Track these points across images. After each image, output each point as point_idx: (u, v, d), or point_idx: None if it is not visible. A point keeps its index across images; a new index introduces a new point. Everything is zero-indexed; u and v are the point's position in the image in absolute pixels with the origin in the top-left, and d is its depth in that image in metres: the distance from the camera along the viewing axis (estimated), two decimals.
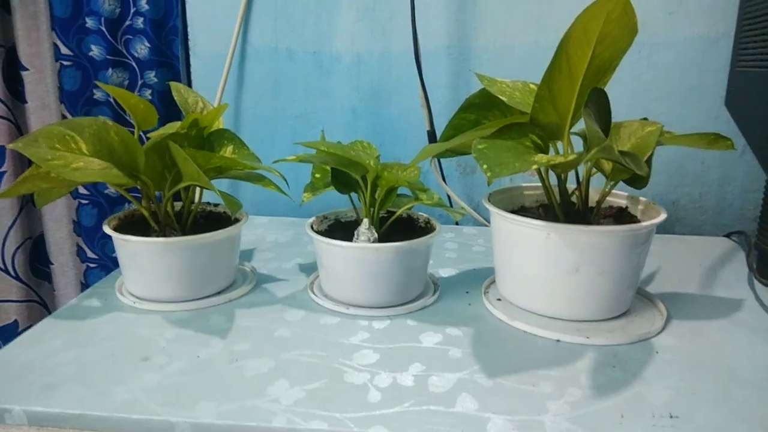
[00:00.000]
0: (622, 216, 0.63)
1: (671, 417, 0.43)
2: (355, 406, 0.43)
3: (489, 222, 0.90)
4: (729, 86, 0.79)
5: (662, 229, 0.91)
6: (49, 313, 1.03)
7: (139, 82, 0.94)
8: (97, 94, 0.95)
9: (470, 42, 0.88)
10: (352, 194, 0.63)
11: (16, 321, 1.02)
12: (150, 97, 0.94)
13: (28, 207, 0.98)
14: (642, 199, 0.63)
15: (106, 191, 0.98)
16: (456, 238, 0.82)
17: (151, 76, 0.94)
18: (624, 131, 0.59)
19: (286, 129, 0.94)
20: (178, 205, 0.64)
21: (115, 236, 0.58)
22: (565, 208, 0.60)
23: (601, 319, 0.57)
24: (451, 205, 0.88)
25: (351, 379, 0.47)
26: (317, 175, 0.64)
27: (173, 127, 0.69)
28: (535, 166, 0.47)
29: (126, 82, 0.95)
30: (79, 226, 0.99)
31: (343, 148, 0.60)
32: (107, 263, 1.00)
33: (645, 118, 0.64)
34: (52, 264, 1.00)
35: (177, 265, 0.58)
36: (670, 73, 0.86)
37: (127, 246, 0.58)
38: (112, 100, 0.95)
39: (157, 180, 0.61)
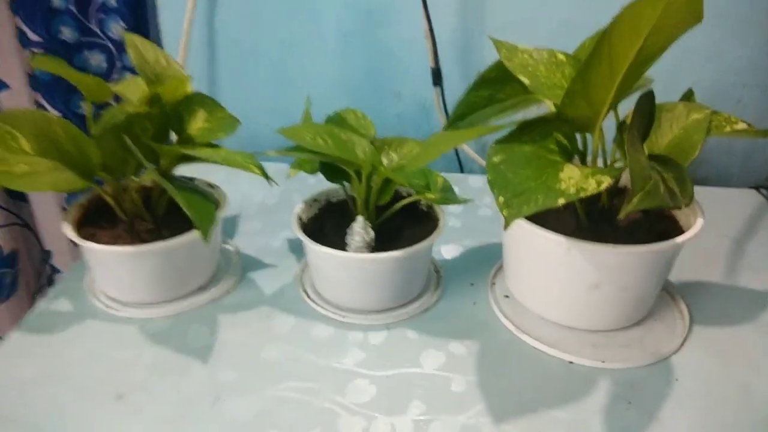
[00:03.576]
0: (652, 209, 0.55)
1: None
2: None
3: None
4: None
5: None
6: (34, 234, 0.99)
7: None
8: (55, 2, 0.83)
9: None
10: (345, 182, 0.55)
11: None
12: (115, 4, 0.81)
13: None
14: None
15: (79, 111, 0.89)
16: (459, 194, 0.75)
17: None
18: (665, 118, 0.50)
19: (269, 56, 0.82)
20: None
21: (79, 242, 0.51)
22: (587, 204, 0.52)
23: (618, 328, 0.52)
24: (457, 153, 0.80)
25: (345, 428, 0.43)
26: (302, 158, 0.56)
27: (135, 84, 0.59)
28: (562, 200, 0.40)
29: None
30: None
31: (333, 134, 0.51)
32: None
33: (691, 91, 0.54)
34: None
35: (151, 271, 0.52)
36: (715, 1, 0.73)
37: (93, 253, 0.52)
38: (72, 8, 0.83)
39: (118, 167, 0.52)
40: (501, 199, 0.40)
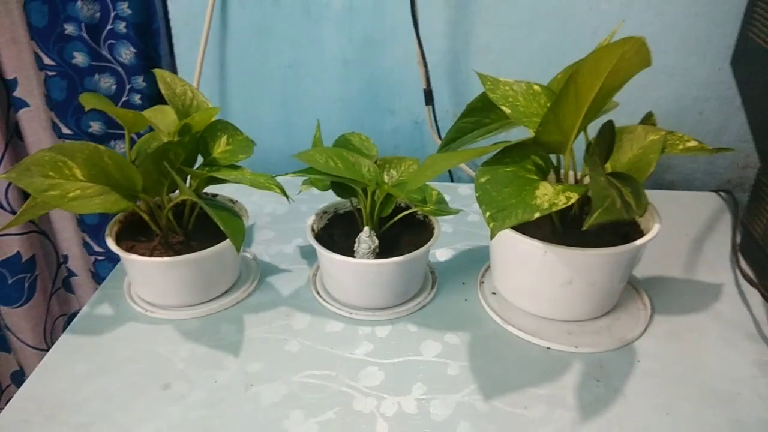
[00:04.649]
0: None
1: None
2: None
3: None
4: (737, 47, 0.76)
5: (653, 180, 0.93)
6: (50, 240, 1.06)
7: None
8: (68, 29, 0.90)
9: None
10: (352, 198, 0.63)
11: (18, 252, 1.05)
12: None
13: (14, 141, 0.96)
14: None
15: (89, 130, 0.96)
16: (451, 203, 0.83)
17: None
18: (626, 139, 0.59)
19: (275, 80, 0.90)
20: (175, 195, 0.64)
21: (120, 253, 0.59)
22: (561, 213, 0.60)
23: (589, 318, 0.61)
24: None
25: (360, 407, 0.51)
26: (315, 177, 0.64)
27: (163, 113, 0.67)
28: (537, 214, 0.48)
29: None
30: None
31: (341, 156, 0.59)
32: None
33: (650, 114, 0.62)
34: None
35: (183, 278, 0.60)
36: (678, 23, 0.81)
37: (133, 263, 0.60)
38: (85, 34, 0.90)
39: (155, 188, 0.60)
40: (488, 213, 0.48)
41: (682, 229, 0.77)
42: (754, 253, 0.69)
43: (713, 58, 0.84)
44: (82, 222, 1.02)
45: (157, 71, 0.63)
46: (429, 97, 0.85)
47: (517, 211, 0.48)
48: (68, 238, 1.05)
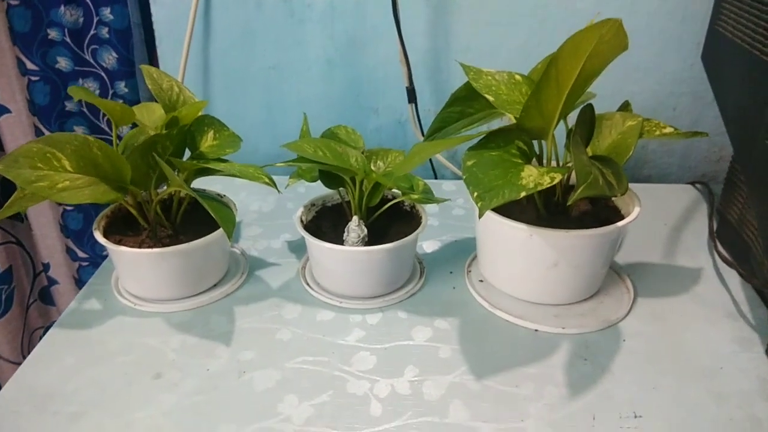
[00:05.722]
0: (597, 198, 0.66)
1: (635, 417, 0.49)
2: (360, 421, 0.48)
3: None
4: (706, 41, 0.79)
5: (630, 174, 0.95)
6: (26, 252, 1.04)
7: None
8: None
9: None
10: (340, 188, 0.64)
11: None
12: (107, 36, 0.89)
13: None
14: None
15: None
16: None
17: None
18: (605, 125, 0.61)
19: (260, 81, 0.91)
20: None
21: (108, 245, 0.59)
22: (544, 196, 0.62)
23: (575, 302, 0.62)
24: (431, 161, 0.90)
25: (353, 389, 0.52)
26: (303, 167, 0.65)
27: (149, 110, 0.67)
28: (523, 193, 0.49)
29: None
30: None
31: (329, 146, 0.60)
32: (83, 205, 1.00)
33: (627, 102, 0.64)
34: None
35: (172, 270, 0.60)
36: (651, 22, 0.84)
37: (122, 255, 0.59)
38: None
39: (143, 182, 0.60)
40: (475, 194, 0.49)
41: (661, 218, 0.79)
42: (730, 238, 0.71)
43: (685, 54, 0.87)
44: (65, 228, 1.01)
45: (143, 66, 0.64)
46: (412, 95, 0.86)
47: (504, 191, 0.49)
48: (50, 246, 1.04)
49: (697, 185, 0.89)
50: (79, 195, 0.54)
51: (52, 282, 1.08)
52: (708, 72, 0.80)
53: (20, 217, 1.01)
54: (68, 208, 1.00)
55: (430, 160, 0.92)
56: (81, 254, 1.03)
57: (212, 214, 0.54)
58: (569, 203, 0.48)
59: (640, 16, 0.84)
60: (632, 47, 0.86)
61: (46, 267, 1.06)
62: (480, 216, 0.48)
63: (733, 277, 0.67)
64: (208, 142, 0.65)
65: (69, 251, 1.03)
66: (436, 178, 0.94)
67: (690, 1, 0.82)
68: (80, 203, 0.54)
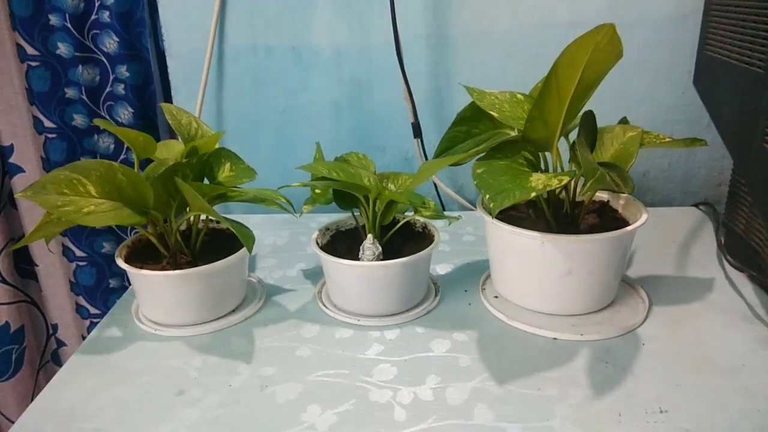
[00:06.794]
0: (604, 211, 0.67)
1: (661, 412, 0.49)
2: (385, 426, 0.48)
3: (474, 205, 0.94)
4: (697, 67, 0.83)
5: None
6: (40, 311, 1.05)
7: (111, 77, 0.92)
8: (69, 93, 0.93)
9: (448, 30, 0.89)
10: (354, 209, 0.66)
11: (7, 323, 1.03)
12: (123, 92, 0.93)
13: (6, 209, 0.97)
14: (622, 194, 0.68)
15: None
16: (446, 227, 0.86)
17: (123, 71, 0.92)
18: (607, 137, 0.63)
19: (271, 125, 0.95)
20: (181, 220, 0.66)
21: (130, 270, 0.60)
22: (553, 209, 0.64)
23: (591, 311, 0.63)
24: (438, 194, 0.92)
25: (375, 398, 0.51)
26: (318, 191, 0.67)
27: (168, 147, 0.70)
28: (533, 194, 0.51)
29: (97, 78, 0.92)
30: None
31: (342, 167, 0.62)
32: (96, 259, 1.01)
33: (625, 118, 0.67)
34: (37, 265, 1.00)
35: (193, 293, 0.61)
36: (641, 53, 0.89)
37: (143, 279, 0.61)
38: (85, 96, 0.94)
39: (164, 209, 0.62)
40: (487, 196, 0.51)
41: (669, 236, 0.81)
42: (738, 249, 0.72)
43: (677, 83, 0.91)
44: (76, 285, 1.01)
45: (163, 105, 0.67)
46: (417, 130, 0.90)
47: (515, 192, 0.51)
48: (59, 305, 1.03)
49: (701, 206, 0.91)
50: (104, 218, 0.56)
51: (61, 344, 1.07)
52: (701, 95, 0.83)
53: (34, 276, 1.02)
54: (81, 263, 1.00)
55: (438, 192, 0.94)
56: (93, 311, 1.03)
57: (233, 230, 0.56)
58: (579, 197, 0.49)
59: (631, 47, 0.89)
60: (625, 78, 0.91)
61: (54, 328, 1.05)
62: (493, 216, 0.50)
63: (745, 284, 0.67)
64: (225, 173, 0.67)
65: (79, 309, 1.03)
66: (444, 209, 0.96)
67: (678, 31, 0.87)
68: (105, 225, 0.56)
